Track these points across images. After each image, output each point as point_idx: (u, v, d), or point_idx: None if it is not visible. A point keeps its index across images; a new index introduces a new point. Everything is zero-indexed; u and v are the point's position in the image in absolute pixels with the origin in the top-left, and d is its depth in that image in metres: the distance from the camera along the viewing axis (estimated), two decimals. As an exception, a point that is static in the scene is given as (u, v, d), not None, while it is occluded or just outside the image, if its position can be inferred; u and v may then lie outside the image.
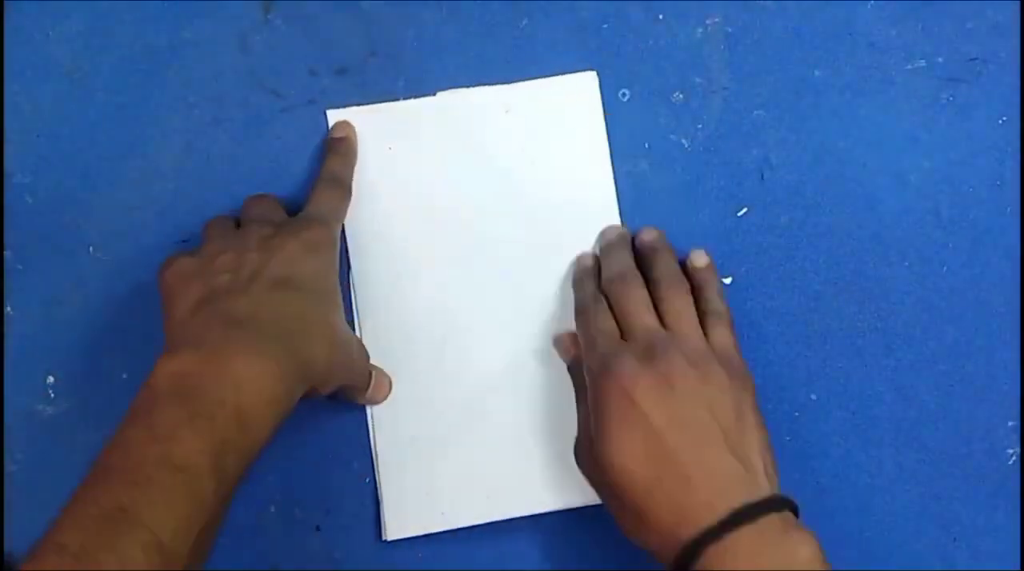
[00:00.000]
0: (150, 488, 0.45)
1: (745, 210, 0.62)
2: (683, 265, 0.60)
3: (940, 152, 0.62)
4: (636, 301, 0.56)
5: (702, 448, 0.51)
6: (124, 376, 0.62)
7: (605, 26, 0.63)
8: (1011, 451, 0.61)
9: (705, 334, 0.56)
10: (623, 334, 0.56)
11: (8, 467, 0.62)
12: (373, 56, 0.63)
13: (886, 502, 0.61)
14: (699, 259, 0.60)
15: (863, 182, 0.62)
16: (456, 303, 0.61)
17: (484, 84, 0.62)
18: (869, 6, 0.62)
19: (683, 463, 0.50)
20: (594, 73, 0.62)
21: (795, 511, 0.51)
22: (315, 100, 0.63)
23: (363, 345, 0.59)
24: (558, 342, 0.60)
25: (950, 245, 0.61)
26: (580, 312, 0.59)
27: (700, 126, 0.62)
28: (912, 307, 0.61)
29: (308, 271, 0.54)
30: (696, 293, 0.58)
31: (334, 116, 0.62)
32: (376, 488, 0.60)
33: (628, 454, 0.51)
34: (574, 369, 0.59)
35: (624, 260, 0.59)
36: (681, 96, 0.62)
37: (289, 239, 0.54)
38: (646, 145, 0.62)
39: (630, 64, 0.62)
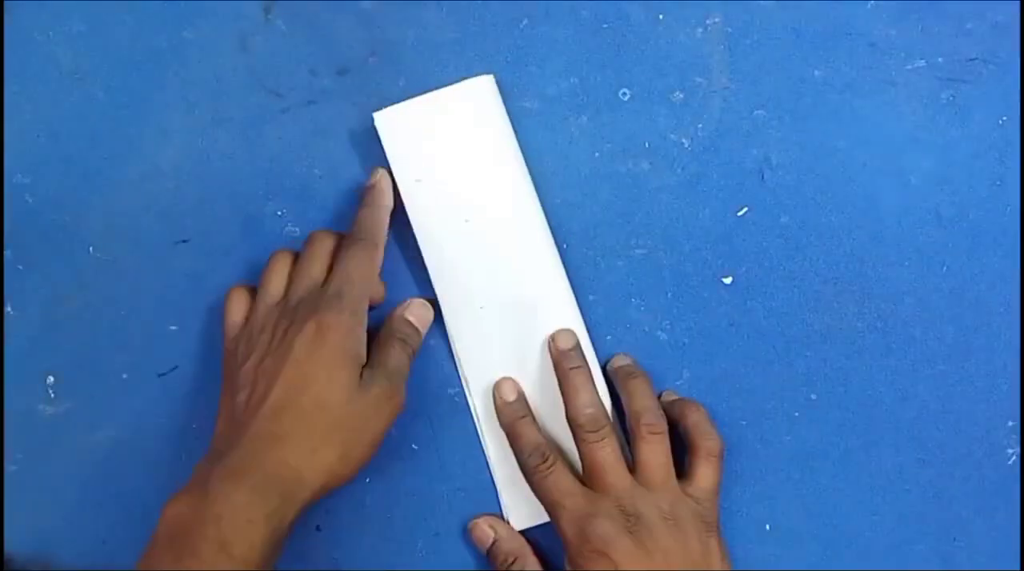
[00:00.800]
0: None
1: (745, 210, 0.62)
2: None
3: (940, 152, 0.62)
4: (609, 454, 0.57)
5: None
6: (124, 376, 0.62)
7: (605, 26, 0.63)
8: (1011, 451, 0.61)
9: (691, 468, 0.57)
10: (591, 482, 0.57)
11: (8, 467, 0.62)
12: (373, 56, 0.63)
13: (886, 502, 0.61)
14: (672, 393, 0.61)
15: (863, 182, 0.62)
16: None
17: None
18: (869, 6, 0.62)
19: None
20: (491, 76, 0.62)
21: None
22: (315, 100, 0.63)
23: (394, 333, 0.59)
24: (473, 529, 0.61)
25: (950, 245, 0.61)
26: (531, 471, 0.58)
27: (700, 126, 0.62)
28: (912, 307, 0.61)
29: (309, 380, 0.54)
30: (683, 420, 0.59)
31: (381, 118, 0.61)
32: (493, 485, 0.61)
33: None
34: (492, 553, 0.60)
35: (592, 398, 0.58)
36: (681, 96, 0.62)
37: (301, 335, 0.55)
38: (646, 145, 0.62)
39: (630, 64, 0.62)
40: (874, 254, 0.61)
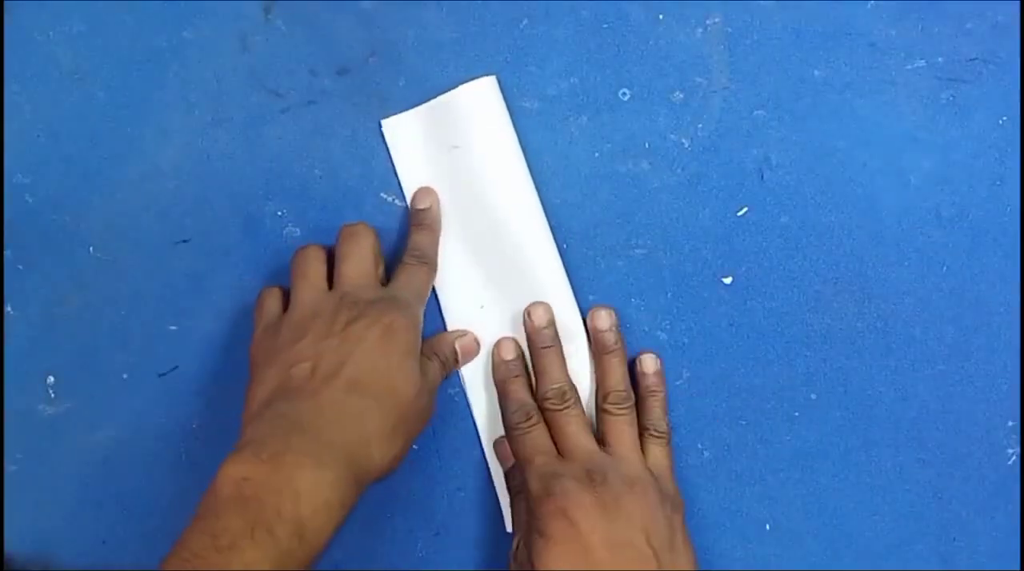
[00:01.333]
0: None
1: (745, 210, 0.62)
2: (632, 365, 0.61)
3: (940, 152, 0.62)
4: (575, 424, 0.58)
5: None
6: (124, 376, 0.62)
7: (605, 26, 0.63)
8: (1011, 451, 0.61)
9: (642, 449, 0.58)
10: (560, 451, 0.57)
11: (8, 467, 0.62)
12: (373, 56, 0.63)
13: (886, 502, 0.61)
14: (649, 365, 0.60)
15: (863, 182, 0.62)
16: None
17: (484, 84, 0.63)
18: (869, 6, 0.62)
19: None
20: (494, 78, 0.62)
21: None
22: (315, 100, 0.63)
23: (439, 355, 0.59)
24: (497, 447, 0.61)
25: (950, 245, 0.61)
26: (513, 428, 0.58)
27: (700, 126, 0.62)
28: (912, 307, 0.61)
29: (382, 364, 0.55)
30: (640, 403, 0.59)
31: (389, 125, 0.62)
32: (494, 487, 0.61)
33: None
34: (509, 475, 0.60)
35: (561, 376, 0.59)
36: (681, 96, 0.62)
37: (371, 328, 0.55)
38: (646, 145, 0.62)
39: (630, 64, 0.62)
40: (874, 254, 0.61)
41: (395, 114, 0.62)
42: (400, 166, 0.62)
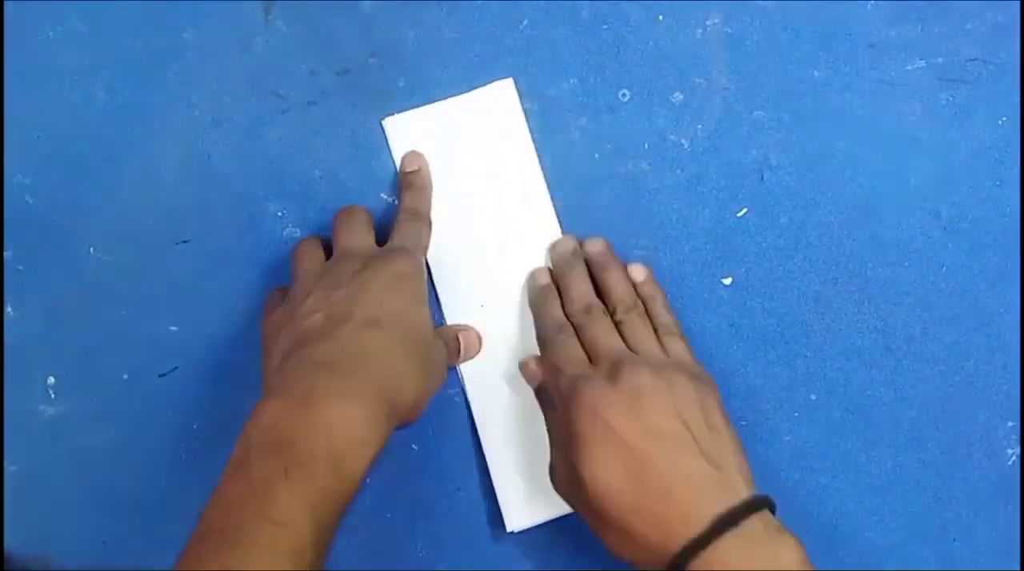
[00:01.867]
0: (253, 548, 0.46)
1: (745, 210, 0.62)
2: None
3: (940, 152, 0.62)
4: (603, 329, 0.58)
5: (677, 457, 0.51)
6: (124, 376, 0.62)
7: (605, 26, 0.63)
8: (1011, 451, 0.61)
9: (663, 349, 0.58)
10: (590, 358, 0.57)
11: (8, 467, 0.62)
12: (373, 57, 0.63)
13: (886, 502, 0.61)
14: (638, 274, 0.61)
15: (863, 182, 0.62)
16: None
17: (483, 84, 0.63)
18: (869, 6, 0.62)
19: (661, 474, 0.51)
20: (510, 80, 0.62)
21: (772, 508, 0.51)
22: (315, 101, 0.63)
23: (443, 339, 0.59)
24: (523, 367, 0.60)
25: (950, 245, 0.61)
26: (546, 340, 0.59)
27: (700, 126, 0.62)
28: (912, 307, 0.61)
29: (397, 306, 0.54)
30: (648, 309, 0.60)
31: (391, 124, 0.62)
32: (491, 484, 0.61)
33: (606, 472, 0.51)
34: (541, 393, 0.60)
35: (586, 291, 0.60)
36: (681, 96, 0.62)
37: (377, 273, 0.55)
38: (646, 145, 0.62)
39: (630, 64, 0.62)
40: (874, 254, 0.61)
41: (396, 114, 0.62)
42: (400, 161, 0.62)
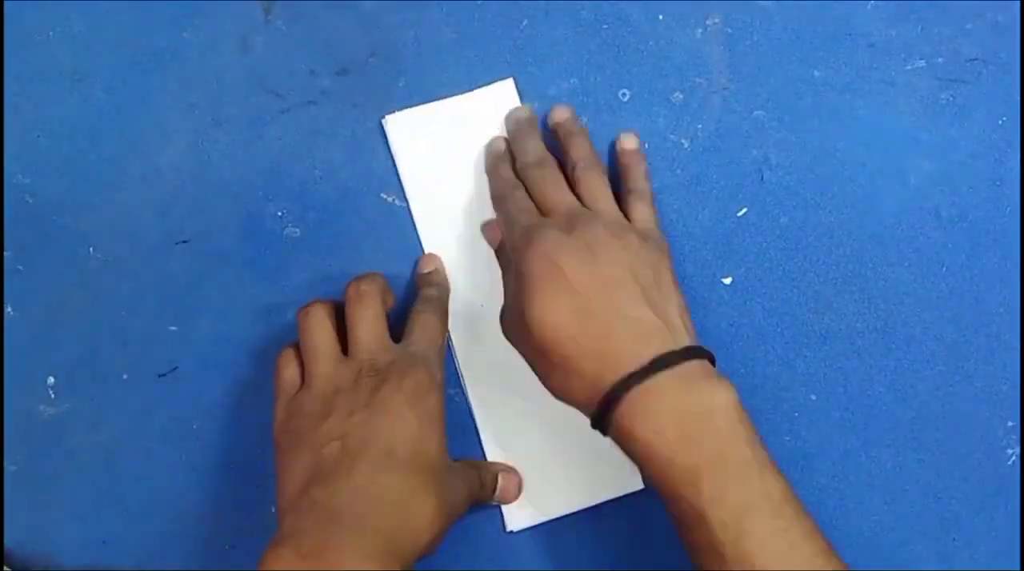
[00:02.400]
0: None
1: (745, 210, 0.62)
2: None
3: (940, 152, 0.62)
4: (554, 182, 0.58)
5: (624, 303, 0.52)
6: (124, 376, 0.62)
7: (605, 26, 0.63)
8: (1011, 451, 0.61)
9: (626, 212, 0.58)
10: (542, 213, 0.58)
11: (8, 467, 0.62)
12: (373, 57, 0.63)
13: (886, 502, 0.61)
14: (628, 142, 0.61)
15: (863, 182, 0.62)
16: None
17: (483, 84, 0.63)
18: (869, 6, 0.62)
19: (606, 317, 0.52)
20: (511, 80, 0.62)
21: (712, 361, 0.53)
22: (315, 101, 0.63)
23: (482, 473, 0.58)
24: (484, 229, 0.62)
25: (950, 245, 0.62)
26: (499, 196, 0.60)
27: (700, 126, 0.62)
28: (912, 307, 0.61)
29: (413, 433, 0.53)
30: (623, 173, 0.61)
31: (392, 122, 0.62)
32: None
33: (553, 311, 0.52)
34: (500, 252, 0.61)
35: (537, 146, 0.60)
36: (681, 96, 0.62)
37: (395, 392, 0.54)
38: (646, 145, 0.62)
39: (630, 64, 0.62)
40: (874, 254, 0.62)
41: (397, 112, 0.62)
42: (402, 163, 0.62)
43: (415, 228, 0.62)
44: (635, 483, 0.60)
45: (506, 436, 0.61)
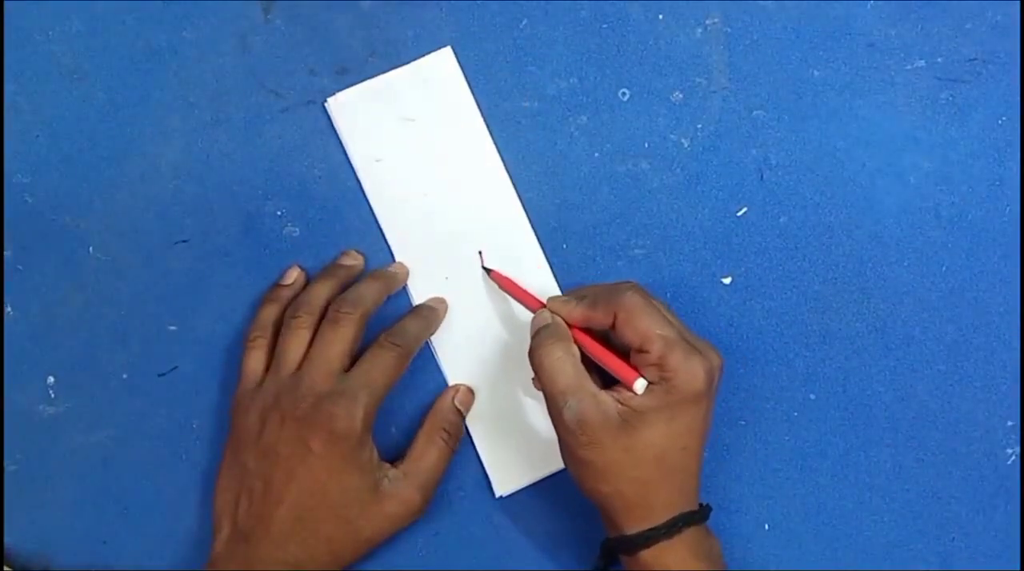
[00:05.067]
0: None
1: (745, 210, 0.62)
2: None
3: (940, 152, 0.62)
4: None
5: (675, 468, 0.54)
6: (124, 376, 0.62)
7: (605, 26, 0.63)
8: (1010, 451, 0.61)
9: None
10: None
11: (8, 467, 0.62)
12: (373, 56, 0.63)
13: (886, 502, 0.61)
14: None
15: (863, 182, 0.62)
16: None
17: (482, 84, 0.63)
18: (869, 6, 0.62)
19: (660, 469, 0.54)
20: (449, 49, 0.62)
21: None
22: (315, 100, 0.63)
23: (414, 472, 0.59)
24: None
25: (950, 245, 0.62)
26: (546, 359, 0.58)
27: (700, 126, 0.62)
28: (912, 307, 0.61)
29: (332, 482, 0.56)
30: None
31: (335, 103, 0.62)
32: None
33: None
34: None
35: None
36: (681, 96, 0.62)
37: (316, 434, 0.56)
38: (646, 145, 0.62)
39: (630, 64, 0.62)
40: (874, 254, 0.62)
41: (338, 93, 0.62)
42: (348, 141, 0.62)
43: (370, 207, 0.62)
44: None
45: (484, 407, 0.62)
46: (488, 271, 0.61)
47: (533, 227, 0.62)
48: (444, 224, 0.62)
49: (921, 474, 0.61)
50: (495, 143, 0.62)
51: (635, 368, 0.54)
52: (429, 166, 0.62)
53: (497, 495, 0.61)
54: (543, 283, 0.62)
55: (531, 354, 0.56)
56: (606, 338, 0.57)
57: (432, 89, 0.62)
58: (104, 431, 0.62)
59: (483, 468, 0.62)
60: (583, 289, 0.59)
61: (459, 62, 0.62)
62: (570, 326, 0.57)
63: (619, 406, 0.53)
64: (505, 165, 0.62)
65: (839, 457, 0.61)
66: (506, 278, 0.61)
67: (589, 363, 0.56)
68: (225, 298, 0.62)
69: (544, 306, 0.58)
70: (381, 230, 0.62)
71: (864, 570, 0.61)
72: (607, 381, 0.55)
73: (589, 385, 0.54)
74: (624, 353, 0.55)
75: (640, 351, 0.54)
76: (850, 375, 0.61)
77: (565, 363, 0.55)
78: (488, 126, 0.62)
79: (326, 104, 0.62)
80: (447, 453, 0.59)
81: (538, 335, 0.56)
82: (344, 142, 0.62)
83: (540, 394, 0.56)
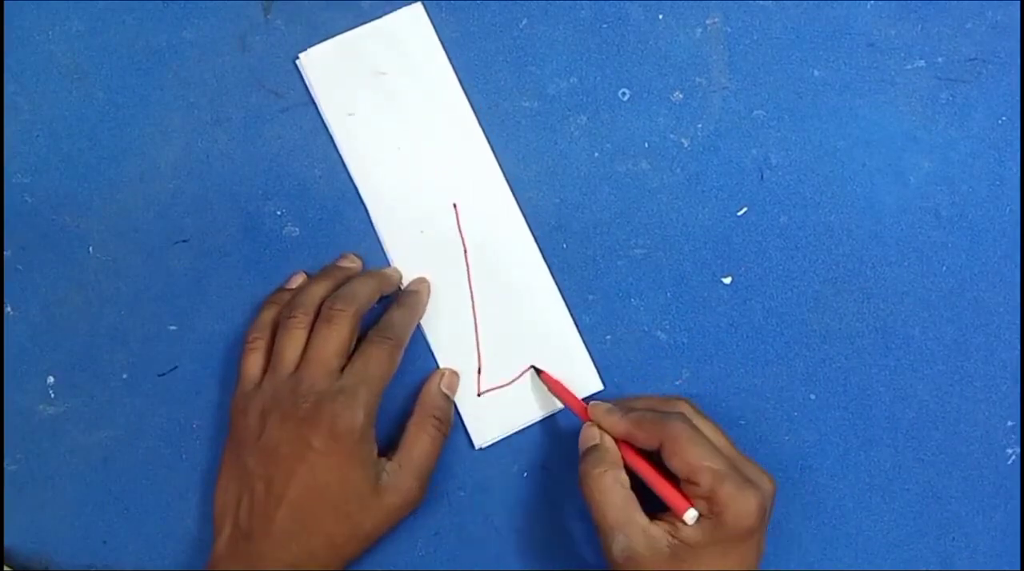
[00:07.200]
0: None
1: (745, 210, 0.62)
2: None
3: (940, 152, 0.62)
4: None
5: None
6: (124, 376, 0.62)
7: (605, 26, 0.63)
8: (1010, 451, 0.61)
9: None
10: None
11: (8, 467, 0.62)
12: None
13: (886, 502, 0.61)
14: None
15: (863, 182, 0.62)
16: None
17: (482, 84, 0.63)
18: (869, 6, 0.62)
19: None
20: (420, 5, 0.62)
21: None
22: (315, 100, 0.63)
23: (414, 457, 0.59)
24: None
25: (950, 245, 0.62)
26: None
27: (700, 126, 0.62)
28: (912, 307, 0.61)
29: (333, 479, 0.56)
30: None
31: (306, 59, 0.62)
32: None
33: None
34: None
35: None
36: (681, 96, 0.62)
37: (318, 432, 0.55)
38: (646, 145, 0.62)
39: (630, 64, 0.62)
40: (874, 254, 0.62)
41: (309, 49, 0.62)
42: (321, 96, 0.62)
43: (344, 165, 0.62)
44: (583, 390, 0.61)
45: (460, 363, 0.62)
46: (538, 372, 0.61)
47: (529, 226, 0.62)
48: (418, 178, 0.62)
49: (921, 474, 0.61)
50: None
51: (686, 496, 0.53)
52: (402, 119, 0.62)
53: (476, 447, 0.61)
54: (519, 234, 0.62)
55: (580, 481, 0.55)
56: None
57: (404, 43, 0.62)
58: (104, 431, 0.62)
59: (481, 464, 0.61)
60: (631, 400, 0.59)
61: (431, 20, 0.62)
62: (618, 441, 0.56)
63: (669, 538, 0.53)
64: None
65: (839, 457, 0.61)
66: (556, 382, 0.61)
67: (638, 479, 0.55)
68: (225, 298, 0.62)
69: (586, 411, 0.58)
70: (354, 183, 0.62)
71: (864, 570, 0.61)
72: (656, 503, 0.55)
73: (639, 518, 0.54)
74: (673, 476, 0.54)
75: (689, 482, 0.53)
76: (850, 375, 0.61)
77: (615, 495, 0.54)
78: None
79: (298, 60, 0.62)
80: (439, 439, 0.59)
81: (587, 459, 0.56)
82: (316, 97, 0.62)
83: (523, 355, 0.59)
